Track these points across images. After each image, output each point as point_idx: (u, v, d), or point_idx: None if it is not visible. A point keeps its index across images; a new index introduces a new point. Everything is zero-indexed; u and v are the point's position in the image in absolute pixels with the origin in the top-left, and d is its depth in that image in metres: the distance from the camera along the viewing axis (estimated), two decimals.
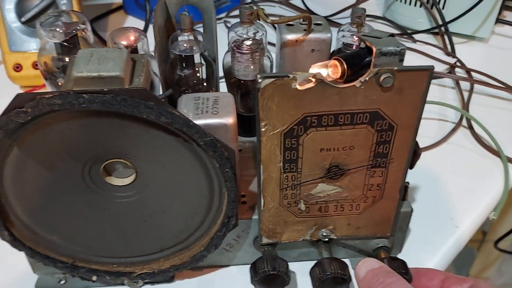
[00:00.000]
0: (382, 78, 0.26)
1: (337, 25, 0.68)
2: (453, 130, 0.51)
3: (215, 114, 0.31)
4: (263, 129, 0.28)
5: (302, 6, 0.75)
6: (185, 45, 0.37)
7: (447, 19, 0.66)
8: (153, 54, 0.39)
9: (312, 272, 0.33)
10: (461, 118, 0.53)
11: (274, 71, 0.40)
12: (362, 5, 0.72)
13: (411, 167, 0.32)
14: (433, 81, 0.46)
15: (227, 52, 0.39)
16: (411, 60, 0.61)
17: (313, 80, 0.26)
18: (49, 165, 0.29)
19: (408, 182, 0.34)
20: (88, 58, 0.29)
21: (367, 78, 0.26)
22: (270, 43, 0.55)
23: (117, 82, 0.28)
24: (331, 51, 0.38)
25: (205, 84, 0.40)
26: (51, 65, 0.38)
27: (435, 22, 0.67)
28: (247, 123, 0.40)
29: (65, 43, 0.36)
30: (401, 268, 0.32)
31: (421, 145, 0.32)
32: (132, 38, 0.37)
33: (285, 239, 0.34)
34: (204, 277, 0.36)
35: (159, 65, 0.38)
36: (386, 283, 0.27)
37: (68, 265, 0.33)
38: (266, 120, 0.28)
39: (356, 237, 0.35)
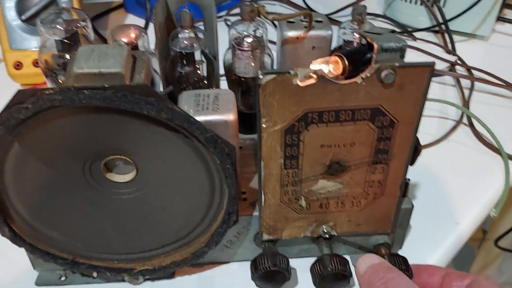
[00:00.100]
0: (383, 74, 0.26)
1: (338, 23, 0.68)
2: (454, 128, 0.51)
3: (215, 110, 0.31)
4: (264, 126, 0.28)
5: (302, 4, 0.75)
6: (185, 42, 0.37)
7: (447, 17, 0.66)
8: (153, 51, 0.39)
9: (312, 268, 0.33)
10: (461, 116, 0.53)
11: (274, 68, 0.40)
12: (362, 3, 0.72)
13: (412, 163, 0.32)
14: (433, 79, 0.46)
15: (228, 49, 0.39)
16: (411, 58, 0.60)
17: (314, 76, 0.26)
18: (49, 162, 0.29)
19: (409, 179, 0.34)
20: (89, 55, 0.29)
21: (368, 74, 0.26)
22: (270, 41, 0.55)
23: (118, 79, 0.28)
24: (332, 48, 0.38)
25: (205, 81, 0.40)
26: (51, 62, 0.38)
27: (435, 20, 0.67)
28: (247, 121, 0.40)
29: (65, 40, 0.36)
30: (402, 264, 0.32)
31: (421, 143, 0.32)
32: (132, 35, 0.37)
33: (286, 235, 0.34)
34: (205, 273, 0.36)
35: (159, 62, 0.38)
36: (387, 279, 0.27)
37: (69, 262, 0.33)
38: (267, 116, 0.28)
39: (356, 233, 0.35)
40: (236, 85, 0.40)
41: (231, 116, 0.30)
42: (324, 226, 0.34)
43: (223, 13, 0.73)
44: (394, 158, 0.31)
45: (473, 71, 0.59)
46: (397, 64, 0.26)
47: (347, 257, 0.35)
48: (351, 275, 0.33)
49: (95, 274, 0.34)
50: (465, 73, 0.60)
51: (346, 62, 0.27)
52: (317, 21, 0.37)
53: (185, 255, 0.33)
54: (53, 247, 0.32)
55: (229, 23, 0.69)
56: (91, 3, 0.76)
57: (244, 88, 0.40)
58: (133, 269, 0.34)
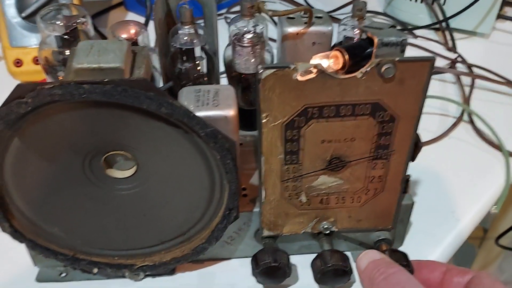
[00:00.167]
0: (383, 68, 0.26)
1: (337, 21, 0.68)
2: (454, 125, 0.51)
3: (215, 106, 0.30)
4: (264, 121, 0.28)
5: (302, 2, 0.75)
6: (185, 38, 0.37)
7: (448, 15, 0.65)
8: (153, 48, 0.39)
9: (313, 264, 0.33)
10: (462, 113, 0.52)
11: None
12: (362, 0, 0.72)
13: (413, 159, 0.32)
14: (434, 76, 0.46)
15: (228, 45, 0.39)
16: (412, 55, 0.61)
17: (314, 71, 0.26)
18: (49, 157, 0.29)
19: (409, 175, 0.34)
20: (89, 50, 0.29)
21: (368, 69, 0.26)
22: (270, 39, 0.55)
23: (117, 74, 0.28)
24: (332, 44, 0.38)
25: (205, 78, 0.39)
26: (51, 59, 0.38)
27: (436, 18, 0.67)
28: (248, 117, 0.40)
29: (65, 37, 0.35)
30: (403, 260, 0.32)
31: (422, 140, 0.32)
32: (132, 31, 0.37)
33: (286, 231, 0.34)
34: (205, 269, 0.36)
35: (159, 58, 0.38)
36: (388, 274, 0.27)
37: (69, 258, 0.33)
38: (267, 111, 0.28)
39: (357, 229, 0.35)
40: (236, 82, 0.40)
41: (231, 112, 0.30)
42: (324, 222, 0.34)
43: (223, 10, 0.73)
44: (395, 153, 0.31)
45: (474, 69, 0.59)
46: (397, 59, 0.26)
47: (348, 253, 0.35)
48: (351, 271, 0.33)
49: (95, 270, 0.34)
50: (465, 70, 0.60)
51: (346, 56, 0.27)
52: (317, 17, 0.37)
53: (186, 251, 0.33)
54: (54, 243, 0.32)
55: (229, 20, 0.69)
56: (91, 1, 0.76)
57: (244, 85, 0.40)
58: (133, 265, 0.34)
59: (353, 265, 0.33)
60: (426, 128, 0.50)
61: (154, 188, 0.31)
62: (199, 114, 0.29)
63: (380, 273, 0.28)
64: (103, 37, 0.65)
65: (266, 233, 0.34)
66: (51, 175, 0.30)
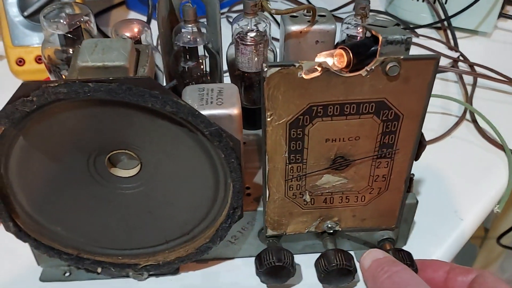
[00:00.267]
0: (388, 67, 0.26)
1: (339, 19, 0.68)
2: (457, 124, 0.51)
3: (219, 105, 0.30)
4: (268, 119, 0.28)
5: (304, 1, 0.75)
6: (188, 36, 0.37)
7: (449, 14, 0.65)
8: (156, 46, 0.39)
9: (317, 263, 0.33)
10: (464, 112, 0.52)
11: None
12: None
13: (417, 158, 0.32)
14: (436, 75, 0.45)
15: (231, 44, 0.39)
16: (414, 54, 0.61)
17: (319, 69, 0.26)
18: (54, 156, 0.29)
19: (413, 174, 0.33)
20: (93, 48, 0.29)
21: (373, 67, 0.26)
22: (273, 38, 0.55)
23: (122, 72, 0.28)
24: (335, 43, 0.38)
25: (208, 76, 0.39)
26: (54, 57, 0.38)
27: (437, 17, 0.67)
28: (251, 116, 0.40)
29: (68, 35, 0.35)
30: (407, 259, 0.32)
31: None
32: (135, 30, 0.37)
33: (290, 230, 0.34)
34: (209, 269, 0.36)
35: (162, 57, 0.38)
36: (391, 272, 0.27)
37: (73, 257, 0.33)
38: (272, 110, 0.28)
39: (361, 228, 0.35)
40: (239, 80, 0.40)
41: (235, 110, 0.30)
42: (328, 221, 0.34)
43: (224, 9, 0.73)
44: (399, 152, 0.31)
45: (476, 68, 0.59)
46: (402, 57, 0.26)
47: (351, 253, 0.35)
48: (355, 270, 0.33)
49: (99, 270, 0.34)
50: (467, 69, 0.60)
51: (351, 54, 0.27)
52: (320, 15, 0.37)
53: (190, 251, 0.33)
54: (58, 242, 0.32)
55: (231, 19, 0.69)
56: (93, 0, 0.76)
57: (247, 83, 0.40)
58: (137, 265, 0.34)
59: (357, 265, 0.33)
60: (428, 127, 0.50)
61: (158, 187, 0.31)
62: (204, 112, 0.29)
63: (384, 272, 0.28)
64: (105, 36, 0.65)
65: (270, 232, 0.34)
66: (55, 174, 0.30)
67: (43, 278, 0.35)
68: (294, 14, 0.36)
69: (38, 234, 0.32)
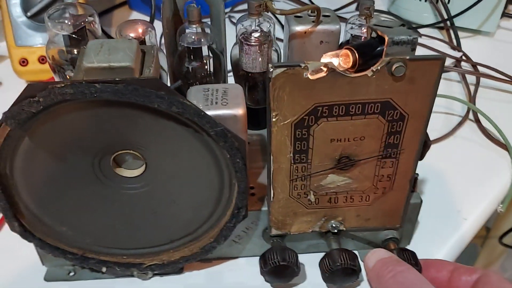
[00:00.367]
0: (394, 67, 0.26)
1: (342, 19, 0.68)
2: (460, 124, 0.51)
3: (224, 105, 0.30)
4: (273, 120, 0.28)
5: (306, 1, 0.75)
6: (193, 37, 0.37)
7: (452, 14, 0.65)
8: (160, 47, 0.39)
9: (321, 263, 0.33)
10: (467, 112, 0.52)
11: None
12: None
13: (421, 158, 0.32)
14: (441, 75, 0.45)
15: (235, 44, 0.39)
16: (416, 54, 0.61)
17: (325, 69, 0.26)
18: (59, 156, 0.29)
19: (417, 174, 0.34)
20: (98, 49, 0.29)
21: (379, 67, 0.26)
22: (277, 39, 0.55)
23: (128, 73, 0.28)
24: (339, 43, 0.38)
25: (212, 77, 0.40)
26: (58, 58, 0.38)
27: (440, 17, 0.67)
28: (255, 116, 0.40)
29: (73, 35, 0.35)
30: (411, 259, 0.32)
31: None
32: (140, 30, 0.37)
33: (295, 230, 0.34)
34: (213, 268, 0.36)
35: (167, 57, 0.38)
36: (396, 271, 0.27)
37: (78, 257, 0.33)
38: (277, 110, 0.28)
39: (365, 228, 0.35)
40: (243, 81, 0.40)
41: (240, 111, 0.30)
42: (332, 221, 0.34)
43: (227, 10, 0.73)
44: (404, 152, 0.31)
45: (479, 67, 0.59)
46: (408, 57, 0.26)
47: (356, 252, 0.35)
48: (360, 269, 0.33)
49: (104, 269, 0.34)
50: (470, 69, 0.60)
51: (357, 55, 0.27)
52: (324, 16, 0.37)
53: (194, 250, 0.33)
54: (63, 242, 0.32)
55: (233, 19, 0.69)
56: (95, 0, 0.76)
57: (251, 83, 0.40)
58: (142, 264, 0.34)
59: (361, 264, 0.33)
60: (432, 127, 0.50)
61: (163, 187, 0.31)
62: (209, 113, 0.29)
63: (388, 271, 0.28)
64: (109, 36, 0.65)
65: (274, 232, 0.34)
66: (60, 174, 0.30)
67: (47, 278, 0.35)
68: (299, 14, 0.36)
69: (43, 234, 0.32)
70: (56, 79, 0.38)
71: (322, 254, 0.33)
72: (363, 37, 0.37)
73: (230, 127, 0.29)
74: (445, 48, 0.63)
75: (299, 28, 0.36)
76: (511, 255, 0.89)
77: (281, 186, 0.31)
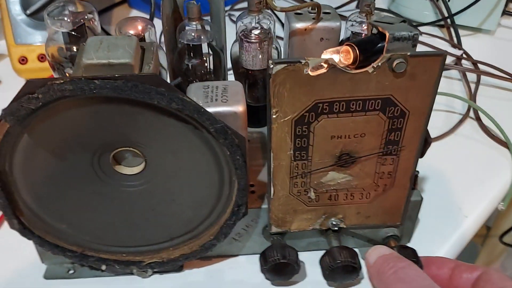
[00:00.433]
0: (395, 63, 0.26)
1: (343, 17, 0.68)
2: (461, 122, 0.51)
3: (224, 102, 0.30)
4: (274, 116, 0.28)
5: None
6: (192, 34, 0.37)
7: (453, 12, 0.65)
8: (160, 45, 0.38)
9: (322, 260, 0.33)
10: (468, 109, 0.52)
11: None
12: None
13: (422, 155, 0.32)
14: (442, 71, 0.45)
15: (235, 41, 0.39)
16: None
17: (325, 65, 0.26)
18: (58, 154, 0.29)
19: (418, 171, 0.33)
20: (98, 46, 0.29)
21: (379, 64, 0.26)
22: (277, 37, 0.55)
23: (127, 69, 0.28)
24: (340, 40, 0.38)
25: (212, 75, 0.39)
26: (57, 55, 0.38)
27: (441, 15, 0.67)
28: (254, 114, 0.40)
29: (72, 33, 0.35)
30: (412, 256, 0.32)
31: None
32: (139, 27, 0.37)
33: (295, 228, 0.34)
34: (213, 266, 0.36)
35: (167, 55, 0.38)
36: (397, 268, 0.27)
37: (78, 254, 0.33)
38: (277, 107, 0.28)
39: (365, 226, 0.34)
40: (243, 78, 0.40)
41: (240, 108, 0.30)
42: (333, 219, 0.34)
43: (227, 8, 0.72)
44: (405, 149, 0.31)
45: (479, 65, 0.59)
46: (409, 54, 0.26)
47: (356, 250, 0.35)
48: (360, 267, 0.32)
49: (103, 267, 0.33)
50: (471, 67, 0.60)
51: (357, 51, 0.27)
52: (325, 13, 0.36)
53: (194, 248, 0.33)
54: (62, 240, 0.32)
55: (232, 17, 0.69)
56: None
57: (251, 81, 0.40)
58: (141, 262, 0.34)
59: (362, 262, 0.33)
60: (432, 125, 0.49)
61: (162, 185, 0.31)
62: (208, 110, 0.29)
63: (389, 268, 0.28)
64: (108, 34, 0.65)
65: (274, 229, 0.34)
66: (60, 171, 0.29)
67: (47, 276, 0.35)
68: (299, 11, 0.36)
69: (42, 231, 0.32)
70: (56, 76, 0.38)
71: (322, 252, 0.33)
72: (363, 34, 0.37)
73: (230, 124, 0.29)
74: (445, 46, 0.63)
75: (300, 25, 0.36)
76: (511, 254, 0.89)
77: (281, 184, 0.31)
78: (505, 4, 0.65)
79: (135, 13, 0.74)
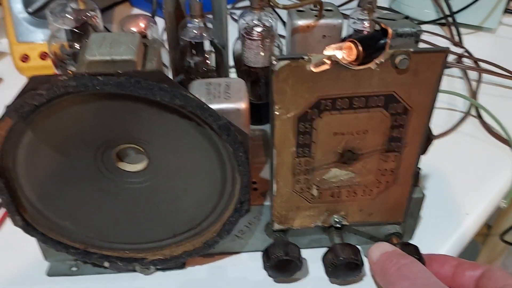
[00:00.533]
0: (397, 60, 0.26)
1: (345, 16, 0.68)
2: (462, 120, 0.51)
3: (227, 99, 0.30)
4: (276, 113, 0.28)
5: None
6: (195, 31, 0.37)
7: (454, 10, 0.65)
8: (162, 42, 0.38)
9: (324, 257, 0.33)
10: (469, 108, 0.52)
11: None
12: None
13: (424, 152, 0.32)
14: (445, 68, 0.45)
15: (237, 39, 0.39)
16: None
17: (328, 62, 0.26)
18: (62, 150, 0.29)
19: (420, 168, 0.33)
20: (101, 42, 0.29)
21: (382, 60, 0.26)
22: (279, 35, 0.55)
23: (130, 66, 0.28)
24: (341, 38, 0.38)
25: (215, 72, 0.39)
26: (59, 53, 0.38)
27: (442, 13, 0.67)
28: (257, 112, 0.40)
29: (75, 30, 0.35)
30: (414, 253, 0.32)
31: None
32: (142, 25, 0.37)
33: (297, 225, 0.34)
34: (216, 263, 0.36)
35: (169, 52, 0.38)
36: (400, 264, 0.27)
37: (81, 251, 0.33)
38: (280, 103, 0.28)
39: (368, 223, 0.35)
40: (246, 76, 0.40)
41: (243, 105, 0.30)
42: (335, 216, 0.34)
43: (228, 6, 0.72)
44: (407, 146, 0.31)
45: (481, 63, 0.59)
46: (411, 50, 0.26)
47: (358, 247, 0.35)
48: (363, 264, 0.33)
49: (106, 264, 0.34)
50: (472, 65, 0.60)
51: (360, 48, 0.27)
52: (327, 10, 0.37)
53: (197, 245, 0.33)
54: (65, 237, 0.32)
55: (234, 16, 0.69)
56: None
57: (253, 79, 0.40)
58: (144, 259, 0.34)
59: (364, 259, 0.33)
60: (434, 123, 0.49)
61: (165, 182, 0.31)
62: (211, 107, 0.29)
63: (393, 264, 0.28)
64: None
65: (276, 226, 0.34)
66: (63, 168, 0.30)
67: (50, 273, 0.35)
68: (301, 8, 0.36)
69: (45, 228, 0.32)
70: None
71: (325, 249, 0.33)
72: (365, 32, 0.37)
73: (233, 121, 0.29)
74: (446, 45, 0.63)
75: (302, 22, 0.36)
76: None
77: (284, 180, 0.31)
78: (507, 2, 0.65)
79: (136, 11, 0.74)
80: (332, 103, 0.28)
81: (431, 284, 0.27)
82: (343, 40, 0.38)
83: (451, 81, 0.58)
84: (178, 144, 0.29)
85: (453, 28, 0.66)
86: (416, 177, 0.33)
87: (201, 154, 0.30)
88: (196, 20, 0.37)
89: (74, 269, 0.35)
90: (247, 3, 0.37)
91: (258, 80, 0.40)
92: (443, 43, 0.63)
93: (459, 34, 0.65)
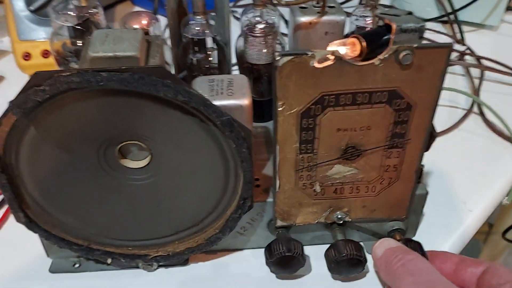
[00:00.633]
0: (401, 55, 0.26)
1: (347, 14, 0.68)
2: (465, 116, 0.51)
3: (230, 95, 0.30)
4: (280, 109, 0.28)
5: None
6: (197, 28, 0.37)
7: (456, 7, 0.65)
8: (164, 39, 0.38)
9: (327, 253, 0.33)
10: (472, 104, 0.52)
11: None
12: None
13: (427, 149, 0.32)
14: (448, 63, 0.45)
15: (240, 36, 0.39)
16: None
17: (332, 58, 0.26)
18: (65, 147, 0.29)
19: (423, 165, 0.33)
20: (104, 39, 0.29)
21: (386, 56, 0.26)
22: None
23: (133, 62, 0.28)
24: (344, 35, 0.38)
25: (217, 69, 0.39)
26: (62, 50, 0.38)
27: (444, 10, 0.67)
28: (259, 108, 0.40)
29: (78, 27, 0.35)
30: (417, 249, 0.32)
31: None
32: (144, 22, 0.37)
33: (300, 221, 0.34)
34: (218, 260, 0.36)
35: (171, 49, 0.38)
36: (405, 260, 0.27)
37: (83, 248, 0.33)
38: (283, 99, 0.28)
39: (371, 219, 0.34)
40: (248, 73, 0.40)
41: (246, 101, 0.30)
42: (338, 212, 0.34)
43: (230, 4, 0.72)
44: (410, 142, 0.30)
45: (483, 61, 0.59)
46: (415, 45, 0.26)
47: (361, 244, 0.35)
48: (366, 260, 0.33)
49: (109, 261, 0.34)
50: (474, 62, 0.60)
51: (364, 43, 0.27)
52: (329, 7, 0.36)
53: (199, 241, 0.33)
54: (68, 233, 0.32)
55: (236, 14, 0.69)
56: None
57: (256, 75, 0.40)
58: (147, 256, 0.34)
59: (367, 256, 0.33)
60: (436, 120, 0.49)
61: (168, 178, 0.31)
62: (214, 103, 0.29)
63: (397, 260, 0.28)
64: None
65: (279, 223, 0.34)
66: (66, 164, 0.30)
67: (52, 270, 0.35)
68: (304, 5, 0.36)
69: (48, 225, 0.32)
70: None
71: (327, 246, 0.33)
72: (368, 28, 0.37)
73: (236, 117, 0.29)
74: None
75: (304, 19, 0.36)
76: None
77: (287, 177, 0.31)
78: (509, 0, 0.65)
79: (137, 10, 0.74)
80: (335, 99, 0.28)
81: (436, 280, 0.27)
82: (346, 37, 0.38)
83: (454, 78, 0.58)
84: (181, 141, 0.29)
85: (455, 25, 0.66)
86: (419, 174, 0.33)
87: (204, 150, 0.30)
88: (199, 17, 0.37)
89: (77, 265, 0.35)
90: (247, 2, 0.37)
91: (260, 77, 0.40)
92: (445, 40, 0.63)
93: (461, 32, 0.65)
